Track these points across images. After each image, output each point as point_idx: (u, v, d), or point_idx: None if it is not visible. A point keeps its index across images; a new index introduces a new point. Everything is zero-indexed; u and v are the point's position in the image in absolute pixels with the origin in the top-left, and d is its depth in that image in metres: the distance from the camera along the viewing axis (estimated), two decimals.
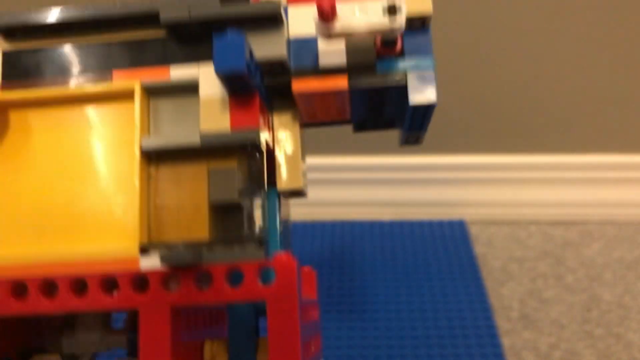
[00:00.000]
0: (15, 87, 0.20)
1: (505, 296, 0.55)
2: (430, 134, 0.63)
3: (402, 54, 0.23)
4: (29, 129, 0.20)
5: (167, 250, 0.18)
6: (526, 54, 0.60)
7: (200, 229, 0.20)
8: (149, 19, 0.19)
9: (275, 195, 0.23)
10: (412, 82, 0.22)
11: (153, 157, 0.20)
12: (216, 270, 0.19)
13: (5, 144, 0.20)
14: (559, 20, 0.58)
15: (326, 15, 0.20)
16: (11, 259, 0.19)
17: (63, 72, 0.20)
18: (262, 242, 0.20)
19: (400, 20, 0.21)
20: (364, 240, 0.62)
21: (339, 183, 0.67)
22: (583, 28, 0.58)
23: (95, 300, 0.19)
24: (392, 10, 0.21)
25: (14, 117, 0.20)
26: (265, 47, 0.20)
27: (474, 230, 0.65)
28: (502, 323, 0.52)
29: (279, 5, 0.20)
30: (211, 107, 0.19)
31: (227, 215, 0.20)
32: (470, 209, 0.66)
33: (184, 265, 0.18)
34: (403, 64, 0.23)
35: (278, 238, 0.22)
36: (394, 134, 0.62)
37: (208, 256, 0.19)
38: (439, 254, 0.60)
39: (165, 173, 0.20)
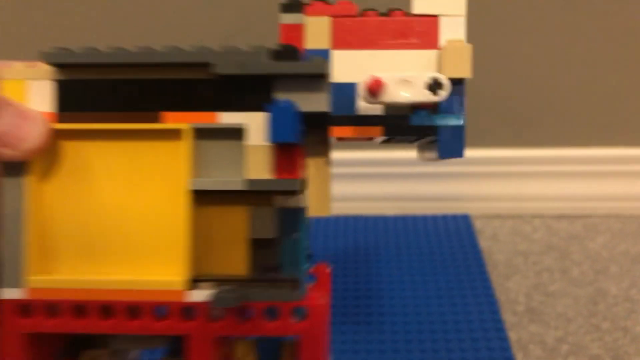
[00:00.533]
0: (68, 118, 0.22)
1: (511, 290, 0.55)
2: None
3: (436, 108, 0.25)
4: (83, 159, 0.22)
5: (215, 291, 0.21)
6: (530, 49, 0.59)
7: (239, 263, 0.22)
8: (203, 65, 0.21)
9: (305, 222, 0.24)
10: (443, 137, 0.25)
11: (197, 195, 0.22)
12: (256, 307, 0.22)
13: (61, 172, 0.22)
14: (560, 14, 0.57)
15: (374, 94, 0.23)
16: (72, 283, 0.22)
17: (116, 106, 0.21)
18: (297, 283, 0.22)
19: (444, 94, 0.24)
20: (368, 235, 0.62)
21: (343, 178, 0.66)
22: (585, 21, 0.58)
23: (148, 325, 0.22)
24: (436, 86, 0.23)
25: (68, 146, 0.22)
26: (311, 103, 0.21)
27: (478, 225, 0.65)
28: (508, 317, 0.51)
29: (327, 64, 0.22)
30: (256, 155, 0.21)
31: (264, 251, 0.22)
32: (475, 203, 0.66)
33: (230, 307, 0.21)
34: (436, 119, 0.25)
35: (305, 258, 0.24)
36: None
37: (250, 296, 0.21)
38: (444, 248, 0.60)
39: (208, 210, 0.22)
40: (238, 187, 0.21)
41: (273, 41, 0.60)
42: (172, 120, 0.21)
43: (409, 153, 0.65)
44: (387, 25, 0.25)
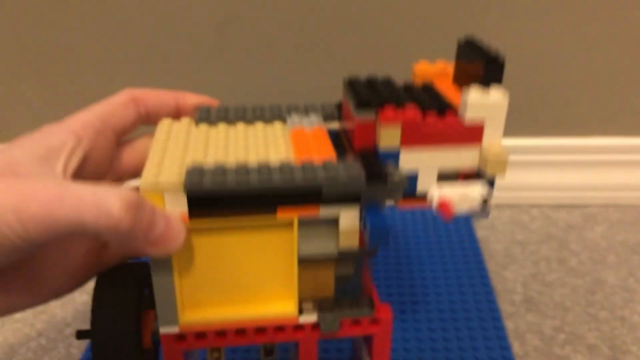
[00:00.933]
0: (200, 217, 0.28)
1: (509, 279, 0.54)
2: None
3: None
4: (215, 241, 0.29)
5: (320, 318, 0.31)
6: (527, 38, 0.59)
7: (327, 291, 0.32)
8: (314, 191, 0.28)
9: None
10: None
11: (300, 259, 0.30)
12: (345, 320, 0.32)
13: (199, 254, 0.30)
14: (555, 3, 0.57)
15: (442, 212, 0.29)
16: (214, 317, 0.31)
17: (242, 208, 0.28)
18: (372, 302, 0.32)
19: (489, 209, 0.31)
20: None
21: None
22: (582, 11, 0.57)
23: (271, 337, 0.31)
24: (485, 202, 0.30)
25: (202, 236, 0.29)
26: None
27: None
28: (505, 306, 0.51)
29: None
30: (348, 233, 0.29)
31: (344, 283, 0.32)
32: None
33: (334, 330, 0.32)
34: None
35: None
36: None
37: (344, 316, 0.31)
38: (441, 238, 0.59)
39: (309, 266, 0.31)
40: (334, 255, 0.30)
41: (270, 30, 0.57)
42: (286, 213, 0.28)
43: None
44: (445, 129, 0.30)
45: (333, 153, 0.30)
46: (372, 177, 0.28)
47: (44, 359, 0.48)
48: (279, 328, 0.31)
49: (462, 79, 0.34)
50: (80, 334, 0.32)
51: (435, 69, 0.36)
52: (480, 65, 0.32)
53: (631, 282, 0.54)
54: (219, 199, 0.27)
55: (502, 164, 0.30)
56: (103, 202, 0.24)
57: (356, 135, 0.31)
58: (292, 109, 0.35)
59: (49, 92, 0.64)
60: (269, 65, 0.61)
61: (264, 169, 0.28)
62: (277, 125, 0.34)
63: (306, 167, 0.28)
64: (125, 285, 0.31)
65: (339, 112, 0.35)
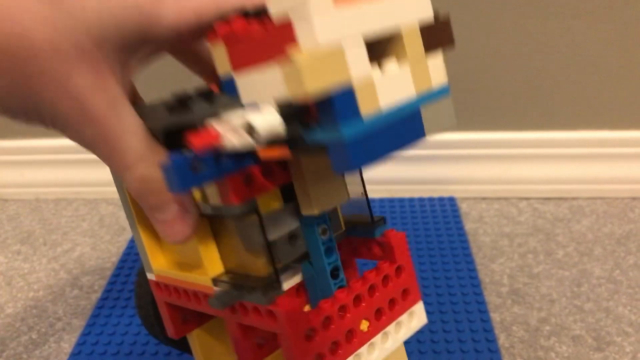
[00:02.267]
0: None
1: (496, 272, 0.55)
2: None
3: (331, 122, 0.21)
4: None
5: (213, 293, 0.27)
6: (515, 32, 0.59)
7: (257, 269, 0.26)
8: None
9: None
10: (331, 152, 0.21)
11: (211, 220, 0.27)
12: (249, 305, 0.27)
13: None
14: None
15: (199, 152, 0.21)
16: (169, 273, 0.30)
17: None
18: (268, 289, 0.25)
19: (262, 138, 0.21)
20: None
21: None
22: (571, 5, 0.57)
23: (203, 306, 0.29)
24: (251, 130, 0.21)
25: None
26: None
27: (464, 207, 0.65)
28: (492, 298, 0.51)
29: None
30: (211, 188, 0.25)
31: (261, 258, 0.26)
32: (461, 186, 0.66)
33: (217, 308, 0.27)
34: (320, 135, 0.21)
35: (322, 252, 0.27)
36: None
37: (229, 295, 0.26)
38: (430, 230, 0.60)
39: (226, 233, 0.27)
40: (209, 212, 0.26)
41: None
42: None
43: None
44: (262, 40, 0.21)
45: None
46: (174, 108, 0.24)
47: (34, 354, 0.48)
48: (206, 297, 0.28)
49: None
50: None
51: None
52: None
53: (617, 273, 0.54)
54: None
55: (296, 75, 0.19)
56: (127, 164, 0.24)
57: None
58: None
59: None
60: None
61: None
62: None
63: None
64: None
65: None
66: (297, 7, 0.19)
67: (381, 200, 0.65)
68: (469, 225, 0.62)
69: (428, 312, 0.49)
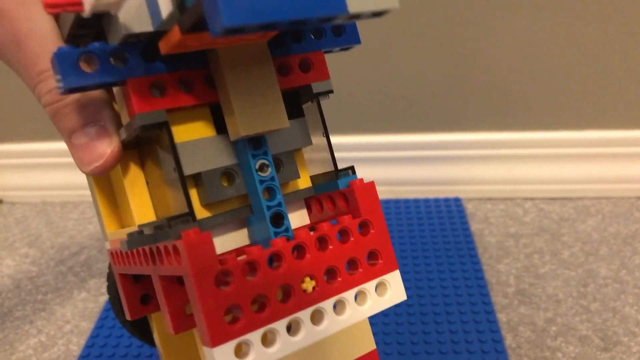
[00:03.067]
0: None
1: (502, 272, 0.55)
2: (426, 113, 0.63)
3: None
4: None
5: (128, 236, 0.23)
6: (520, 32, 0.59)
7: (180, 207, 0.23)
8: None
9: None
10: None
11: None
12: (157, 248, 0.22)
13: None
14: None
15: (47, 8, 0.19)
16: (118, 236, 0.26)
17: None
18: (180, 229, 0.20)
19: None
20: None
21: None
22: (575, 5, 0.57)
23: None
24: None
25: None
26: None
27: (470, 208, 0.65)
28: (498, 299, 0.51)
29: None
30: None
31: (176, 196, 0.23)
32: (466, 187, 0.66)
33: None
34: None
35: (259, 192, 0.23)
36: (392, 114, 0.61)
37: (140, 239, 0.22)
38: (436, 231, 0.60)
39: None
40: (124, 136, 0.23)
41: None
42: None
43: (400, 137, 0.65)
44: None
45: None
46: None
47: (43, 356, 0.48)
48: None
49: None
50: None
51: None
52: None
53: (623, 273, 0.54)
54: None
55: None
56: (38, 71, 0.21)
57: None
58: None
59: None
60: None
61: None
62: None
63: None
64: None
65: None
66: None
67: (387, 201, 0.65)
68: (474, 226, 0.62)
69: (435, 313, 0.49)
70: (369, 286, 0.23)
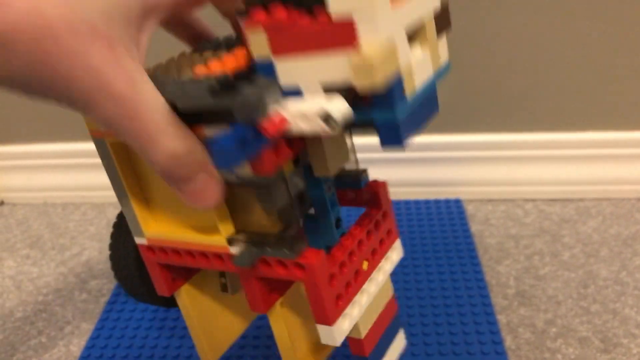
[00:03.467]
0: None
1: (502, 273, 0.55)
2: None
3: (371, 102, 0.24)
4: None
5: (238, 252, 0.30)
6: (519, 32, 0.59)
7: (269, 227, 0.30)
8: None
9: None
10: (380, 130, 0.25)
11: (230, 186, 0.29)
12: (271, 260, 0.30)
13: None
14: None
15: (277, 133, 0.24)
16: (171, 236, 0.32)
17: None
18: (294, 245, 0.28)
19: (339, 127, 0.23)
20: None
21: None
22: (575, 6, 0.57)
23: (211, 263, 0.32)
24: (328, 118, 0.23)
25: None
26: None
27: (470, 209, 0.65)
28: (498, 300, 0.51)
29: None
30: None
31: (274, 217, 0.30)
32: (467, 188, 0.66)
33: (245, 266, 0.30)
34: (372, 113, 0.24)
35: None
36: None
37: (260, 254, 0.30)
38: (436, 232, 0.60)
39: (237, 196, 0.30)
40: (234, 180, 0.28)
41: None
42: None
43: None
44: (316, 30, 0.23)
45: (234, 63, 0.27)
46: (217, 92, 0.24)
47: (44, 357, 0.48)
48: (218, 256, 0.31)
49: None
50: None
51: None
52: None
53: (623, 275, 0.54)
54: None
55: (371, 67, 0.22)
56: (153, 140, 0.24)
57: (247, 46, 0.26)
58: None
59: None
60: None
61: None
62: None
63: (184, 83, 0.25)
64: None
65: None
66: (363, 8, 0.22)
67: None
68: (475, 227, 0.62)
69: (434, 315, 0.49)
70: (389, 253, 0.34)
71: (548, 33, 0.59)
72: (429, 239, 0.59)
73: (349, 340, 0.33)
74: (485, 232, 0.61)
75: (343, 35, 0.22)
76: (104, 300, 0.55)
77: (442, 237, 0.59)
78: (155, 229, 0.33)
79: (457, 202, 0.65)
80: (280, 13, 0.24)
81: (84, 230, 0.67)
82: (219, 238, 0.30)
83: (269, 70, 0.25)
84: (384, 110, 0.24)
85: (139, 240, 0.33)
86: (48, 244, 0.65)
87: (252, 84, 0.24)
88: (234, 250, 0.30)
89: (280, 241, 0.29)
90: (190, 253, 0.32)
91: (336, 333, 0.30)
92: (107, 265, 0.60)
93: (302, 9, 0.23)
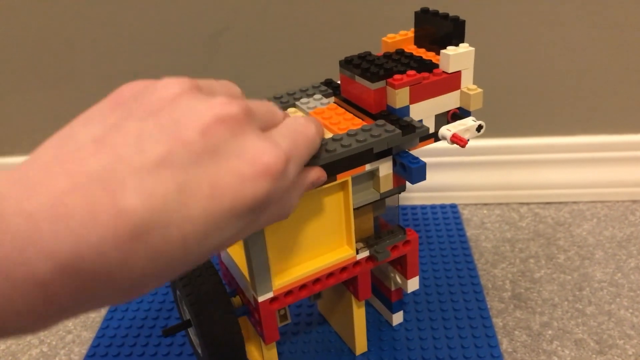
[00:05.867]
0: None
1: (498, 277, 0.55)
2: None
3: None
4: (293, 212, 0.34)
5: (374, 252, 0.40)
6: (513, 40, 0.60)
7: (368, 231, 0.42)
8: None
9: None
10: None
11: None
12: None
13: (281, 222, 0.34)
14: (540, 6, 0.58)
15: (457, 143, 0.38)
16: (296, 275, 0.38)
17: None
18: (402, 229, 0.43)
19: (481, 132, 0.40)
20: None
21: None
22: (568, 13, 0.58)
23: (337, 277, 0.40)
24: (480, 128, 0.40)
25: None
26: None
27: (466, 213, 0.66)
28: (494, 304, 0.52)
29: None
30: (386, 179, 0.38)
31: (381, 222, 0.43)
32: (462, 193, 0.67)
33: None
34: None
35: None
36: None
37: (387, 244, 0.42)
38: (432, 237, 0.60)
39: (356, 215, 0.39)
40: (378, 199, 0.39)
41: (258, 37, 0.59)
42: (342, 175, 0.36)
43: None
44: (437, 83, 0.39)
45: (361, 121, 0.38)
46: (405, 130, 0.36)
47: None
48: (343, 269, 0.40)
49: (423, 42, 0.43)
50: (168, 331, 0.40)
51: (402, 38, 0.44)
52: (443, 27, 0.40)
53: (618, 277, 0.55)
54: None
55: (479, 99, 0.40)
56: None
57: (373, 102, 0.38)
58: (291, 94, 0.42)
59: (46, 107, 0.66)
60: (259, 72, 0.63)
61: (323, 145, 0.34)
62: (292, 110, 0.40)
63: (351, 136, 0.35)
64: (216, 275, 0.39)
65: (334, 89, 0.43)
66: (467, 67, 0.39)
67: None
68: (470, 232, 0.62)
69: (431, 320, 0.49)
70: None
71: (541, 41, 0.60)
72: (425, 244, 0.59)
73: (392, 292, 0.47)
74: (481, 236, 0.62)
75: (454, 82, 0.40)
76: (104, 309, 0.55)
77: (438, 242, 0.60)
78: (281, 278, 0.38)
79: (453, 207, 0.65)
80: (416, 76, 0.37)
81: None
82: (349, 252, 0.39)
83: (405, 113, 0.38)
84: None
85: (263, 298, 0.37)
86: None
87: (413, 121, 0.37)
88: (363, 254, 0.40)
89: (388, 234, 0.42)
90: (317, 279, 0.39)
91: (416, 281, 0.45)
92: None
93: (424, 72, 0.38)
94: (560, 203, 0.66)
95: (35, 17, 0.61)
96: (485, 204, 0.67)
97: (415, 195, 0.67)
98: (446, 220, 0.63)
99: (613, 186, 0.65)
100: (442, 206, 0.66)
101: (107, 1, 0.60)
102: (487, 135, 0.65)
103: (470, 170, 0.66)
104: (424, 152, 0.40)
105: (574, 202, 0.66)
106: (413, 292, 0.52)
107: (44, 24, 0.61)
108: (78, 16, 0.61)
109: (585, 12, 0.58)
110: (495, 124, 0.64)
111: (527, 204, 0.66)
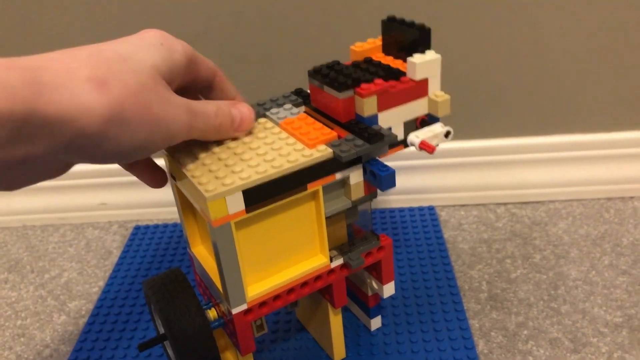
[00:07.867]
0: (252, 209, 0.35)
1: (475, 278, 0.56)
2: None
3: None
4: (264, 222, 0.37)
5: (347, 260, 0.41)
6: (489, 40, 0.60)
7: (342, 238, 0.42)
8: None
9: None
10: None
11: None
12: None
13: (252, 233, 0.37)
14: (516, 6, 0.58)
15: (425, 149, 0.39)
16: (270, 286, 0.39)
17: (282, 191, 0.36)
18: (376, 236, 0.43)
19: (449, 139, 0.41)
20: None
21: None
22: (546, 14, 0.59)
23: (312, 287, 0.40)
24: (448, 134, 0.40)
25: (254, 222, 0.36)
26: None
27: (444, 215, 0.66)
28: (471, 305, 0.52)
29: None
30: (356, 187, 0.39)
31: (350, 228, 0.43)
32: (440, 194, 0.67)
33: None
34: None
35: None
36: None
37: (361, 251, 0.42)
38: (410, 240, 0.61)
39: (328, 223, 0.40)
40: (350, 206, 0.39)
41: (237, 40, 0.59)
42: (313, 185, 0.36)
43: None
44: (405, 90, 0.39)
45: (330, 130, 0.38)
46: (373, 139, 0.37)
47: None
48: (318, 278, 0.40)
49: (391, 49, 0.43)
50: (144, 345, 0.39)
51: (370, 46, 0.44)
52: (409, 35, 0.41)
53: (592, 275, 0.55)
54: (266, 188, 0.34)
55: (447, 105, 0.41)
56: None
57: (342, 111, 0.38)
58: (262, 105, 0.42)
59: None
60: (235, 77, 0.63)
61: (291, 156, 0.35)
62: (262, 120, 0.40)
63: (322, 148, 0.36)
64: (189, 288, 0.38)
65: (304, 98, 0.43)
66: (433, 74, 0.40)
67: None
68: (448, 233, 0.63)
69: (408, 323, 0.50)
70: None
71: (515, 41, 0.60)
72: (403, 247, 0.60)
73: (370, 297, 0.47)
74: (458, 238, 0.62)
75: (421, 90, 0.40)
76: (82, 321, 0.55)
77: (415, 244, 0.60)
78: (255, 290, 0.38)
79: (431, 209, 0.66)
80: (383, 84, 0.38)
81: (63, 252, 0.67)
82: (323, 260, 0.40)
83: (374, 121, 0.39)
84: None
85: (236, 310, 0.37)
86: (27, 267, 0.65)
87: (381, 129, 0.38)
88: (337, 262, 0.41)
89: (362, 240, 0.42)
90: (291, 289, 0.39)
91: (392, 286, 0.45)
92: (85, 286, 0.60)
93: (391, 80, 0.39)
94: (536, 202, 0.67)
95: (8, 18, 0.61)
96: (463, 205, 0.67)
97: (393, 198, 0.68)
98: (424, 223, 0.63)
99: (588, 184, 0.66)
100: (420, 208, 0.66)
101: (81, 4, 0.60)
102: (463, 137, 0.65)
103: (447, 172, 0.67)
104: (401, 154, 0.41)
105: (550, 201, 0.67)
106: (390, 297, 0.53)
107: (20, 30, 0.61)
108: (52, 23, 0.60)
109: (555, 12, 0.59)
110: (471, 126, 0.65)
111: (505, 204, 0.67)
